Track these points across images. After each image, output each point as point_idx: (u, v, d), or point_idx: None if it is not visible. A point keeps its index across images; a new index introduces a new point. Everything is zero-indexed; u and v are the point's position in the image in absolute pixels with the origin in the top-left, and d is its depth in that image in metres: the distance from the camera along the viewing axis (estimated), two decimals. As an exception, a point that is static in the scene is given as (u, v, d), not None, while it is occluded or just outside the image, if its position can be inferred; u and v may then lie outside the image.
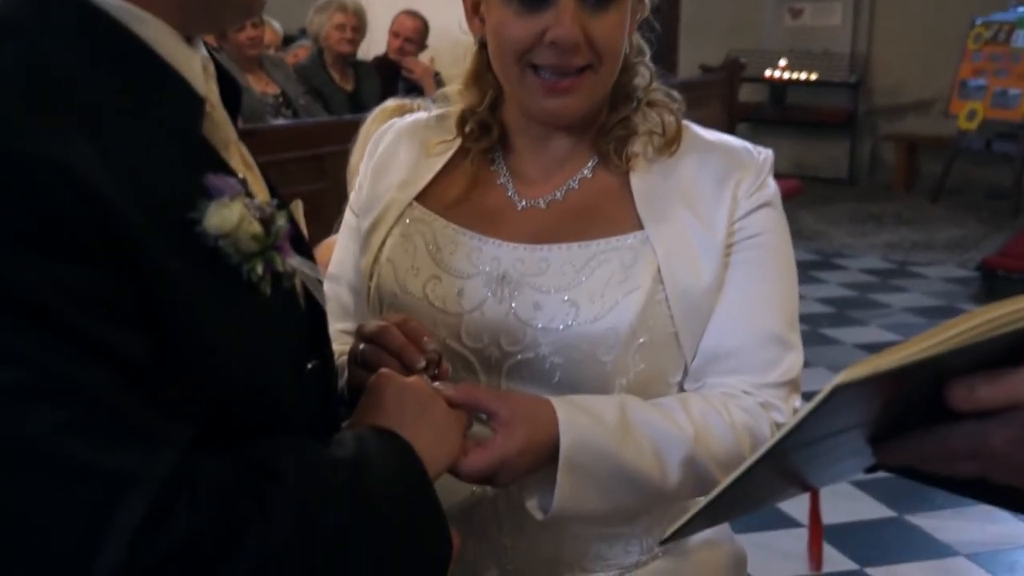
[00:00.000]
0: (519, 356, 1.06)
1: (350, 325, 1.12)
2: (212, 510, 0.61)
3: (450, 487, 0.89)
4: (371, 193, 1.16)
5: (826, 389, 0.54)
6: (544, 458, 0.94)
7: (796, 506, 2.75)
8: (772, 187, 1.08)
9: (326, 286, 1.13)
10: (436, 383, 0.92)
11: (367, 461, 0.72)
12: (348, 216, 1.20)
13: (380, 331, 0.97)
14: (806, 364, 1.08)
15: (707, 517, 0.74)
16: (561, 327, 1.03)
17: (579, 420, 0.95)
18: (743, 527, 1.24)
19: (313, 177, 3.37)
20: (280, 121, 4.05)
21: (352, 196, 1.20)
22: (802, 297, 1.13)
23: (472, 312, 1.07)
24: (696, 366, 1.05)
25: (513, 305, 1.05)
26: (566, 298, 1.04)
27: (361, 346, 0.98)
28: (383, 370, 0.89)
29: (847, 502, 3.19)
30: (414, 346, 0.96)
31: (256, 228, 0.71)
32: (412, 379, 0.88)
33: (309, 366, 0.77)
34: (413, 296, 1.08)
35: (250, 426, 0.69)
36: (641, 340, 1.03)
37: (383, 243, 1.12)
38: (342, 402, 0.96)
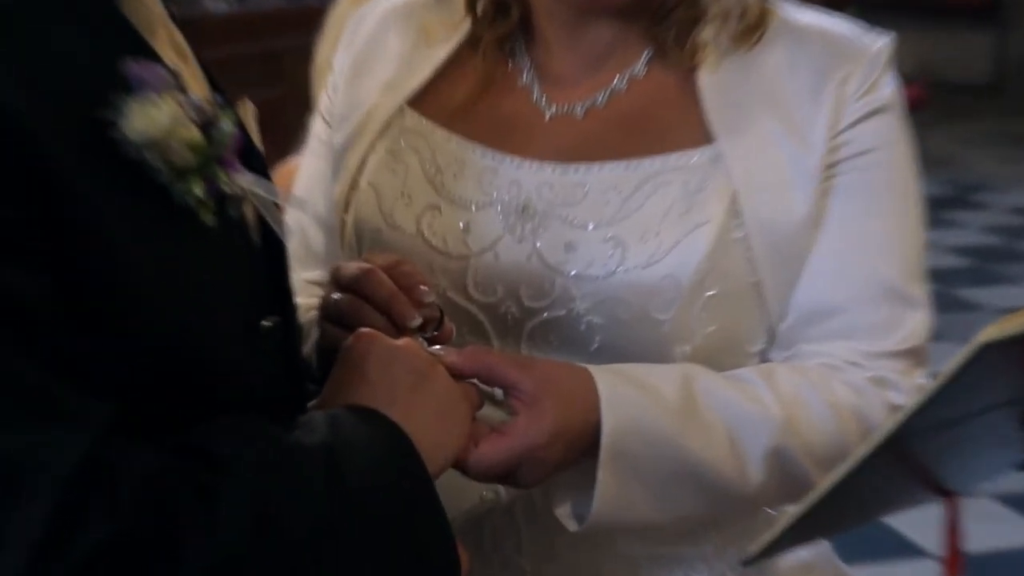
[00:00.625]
0: (545, 314, 1.07)
1: (320, 273, 1.13)
2: (138, 511, 0.62)
3: (453, 489, 0.91)
4: (348, 96, 1.18)
5: (968, 350, 0.54)
6: (580, 448, 0.96)
7: (923, 528, 2.75)
8: (891, 87, 1.09)
9: (288, 219, 1.15)
10: (435, 347, 0.93)
11: (344, 450, 0.74)
12: (317, 128, 1.22)
13: (362, 276, 0.98)
14: (935, 335, 1.10)
15: (801, 532, 0.75)
16: (602, 275, 1.05)
17: (628, 396, 0.97)
18: (852, 553, 1.23)
19: (266, 80, 3.38)
20: (220, 4, 4.01)
21: (322, 101, 1.22)
22: (930, 246, 1.15)
23: (483, 254, 1.09)
24: (786, 329, 1.07)
25: (538, 245, 1.08)
26: (609, 236, 1.06)
27: (335, 296, 0.99)
28: (364, 329, 0.90)
29: (991, 524, 3.14)
30: (407, 297, 0.97)
31: (193, 134, 0.71)
32: (403, 341, 0.89)
33: (265, 324, 0.78)
34: (403, 233, 1.10)
35: (189, 402, 0.70)
36: (710, 293, 1.05)
37: (363, 162, 1.14)
38: (310, 374, 0.97)
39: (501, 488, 1.06)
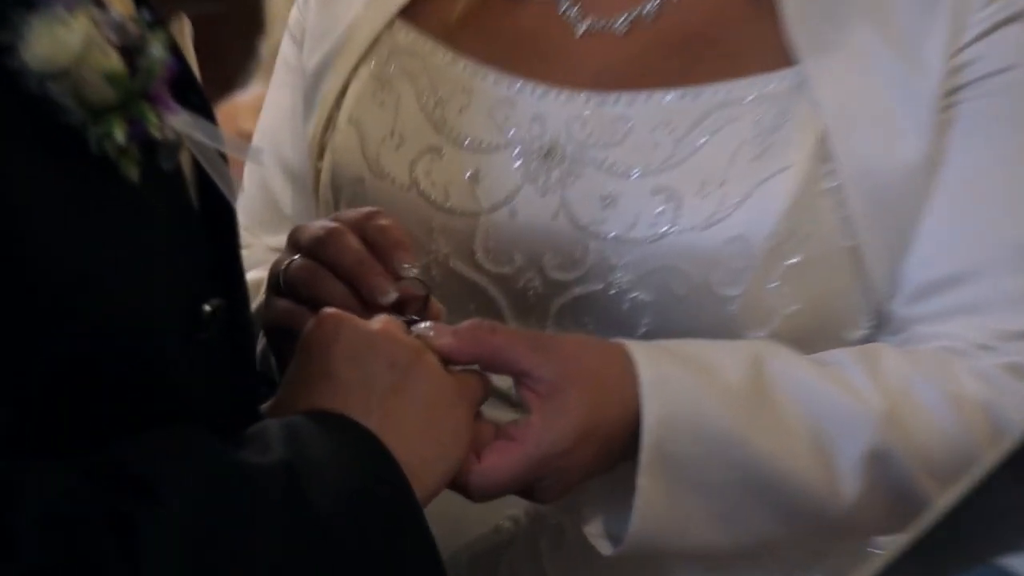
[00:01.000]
0: (576, 289, 1.06)
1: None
2: (40, 549, 0.61)
3: (455, 518, 0.92)
4: (324, 6, 1.17)
5: None
6: (615, 449, 0.95)
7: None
8: None
9: (244, 173, 1.17)
10: (423, 325, 0.91)
11: (307, 471, 0.73)
12: (285, 50, 1.22)
13: (325, 237, 0.95)
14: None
15: (912, 566, 0.69)
16: (649, 237, 1.03)
17: (677, 380, 0.95)
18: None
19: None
20: None
21: (292, 15, 1.21)
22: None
23: (495, 211, 1.07)
24: (897, 306, 1.04)
25: (566, 198, 1.06)
26: (658, 186, 1.04)
27: (292, 261, 0.97)
28: (329, 310, 0.88)
29: None
30: (381, 264, 0.95)
31: (112, 61, 0.69)
32: (381, 324, 0.88)
33: (207, 308, 0.77)
34: (392, 183, 1.09)
35: (107, 409, 0.69)
36: (792, 261, 1.03)
37: (342, 93, 1.13)
38: (265, 372, 0.96)
39: (522, 513, 1.05)
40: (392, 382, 0.84)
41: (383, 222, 0.96)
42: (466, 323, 0.93)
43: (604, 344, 0.97)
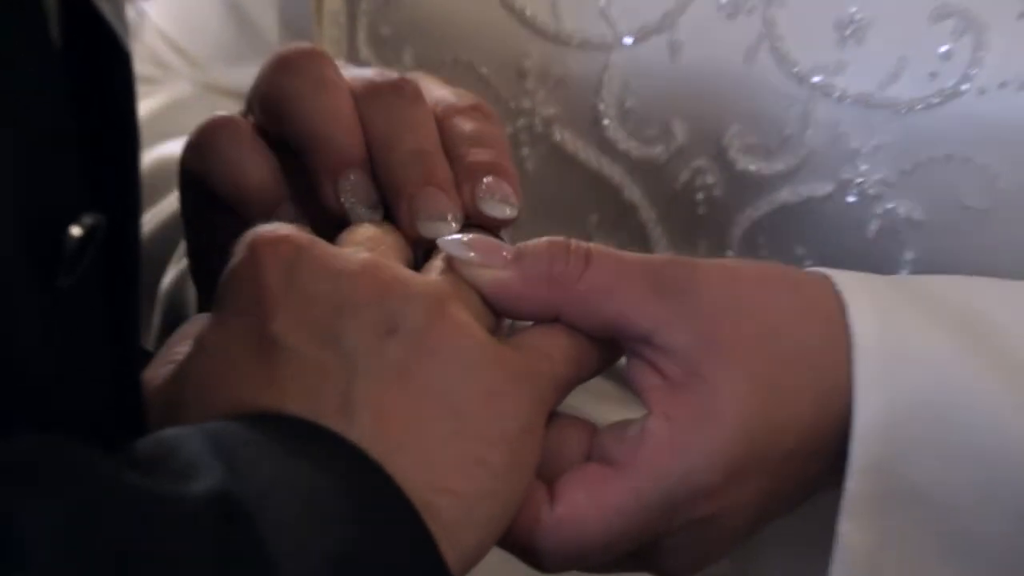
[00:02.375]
0: (783, 191, 0.86)
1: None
2: None
3: None
4: None
5: None
6: (808, 477, 0.76)
7: None
8: None
9: None
10: (452, 238, 0.73)
11: (260, 514, 0.59)
12: None
13: (294, 64, 0.78)
14: None
15: None
16: (925, 99, 0.84)
17: (925, 347, 0.75)
18: None
19: None
20: None
21: None
22: None
23: (644, 41, 0.88)
24: None
25: (772, 20, 0.86)
26: (943, 7, 0.84)
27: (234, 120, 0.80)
28: (272, 227, 0.70)
29: None
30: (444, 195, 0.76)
31: None
32: (369, 249, 0.72)
33: (75, 232, 0.59)
34: None
35: None
36: None
37: None
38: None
39: None
40: (394, 360, 0.67)
41: (474, 132, 0.76)
42: (535, 243, 0.72)
43: (792, 277, 0.76)
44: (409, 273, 0.68)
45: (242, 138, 0.77)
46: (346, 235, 0.71)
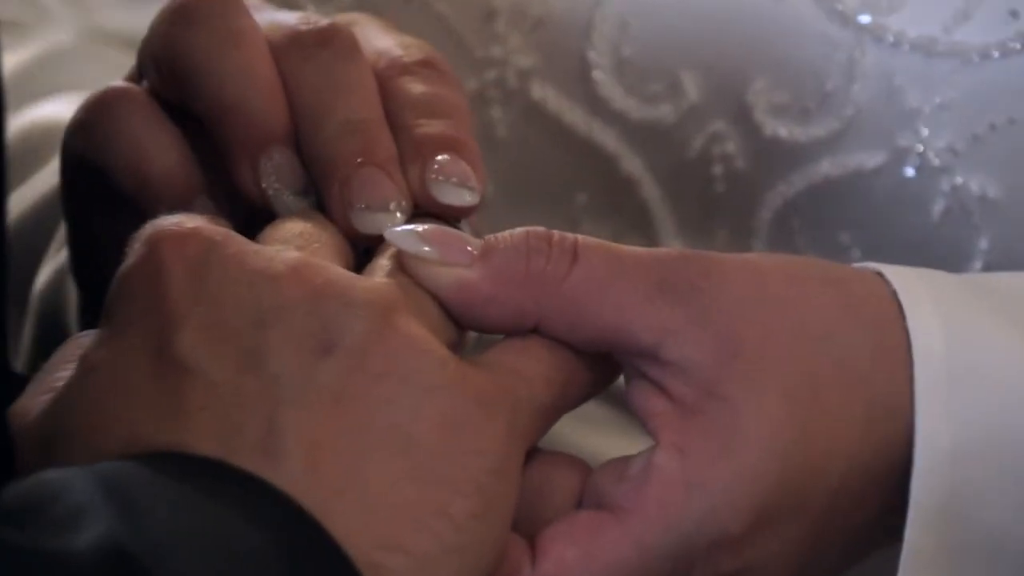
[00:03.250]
0: (824, 163, 0.78)
1: None
2: None
3: None
4: None
5: None
6: (855, 526, 0.67)
7: None
8: None
9: None
10: (406, 229, 0.64)
11: (160, 572, 0.54)
12: None
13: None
14: None
15: None
16: (1000, 44, 0.75)
17: (1000, 363, 0.67)
18: None
19: None
20: None
21: None
22: None
23: None
24: None
25: None
26: None
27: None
28: (173, 221, 0.60)
29: None
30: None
31: None
32: (299, 245, 0.63)
33: None
34: None
35: None
36: None
37: None
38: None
39: None
40: (329, 384, 0.58)
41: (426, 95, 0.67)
42: (508, 234, 0.63)
43: (835, 275, 0.66)
44: (348, 276, 0.58)
45: (142, 114, 0.68)
46: (270, 230, 0.61)
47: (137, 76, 0.69)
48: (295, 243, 0.61)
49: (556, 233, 0.62)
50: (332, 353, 0.57)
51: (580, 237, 0.63)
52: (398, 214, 0.62)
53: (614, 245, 0.63)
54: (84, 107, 0.70)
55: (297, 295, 0.57)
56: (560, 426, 0.63)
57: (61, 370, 0.60)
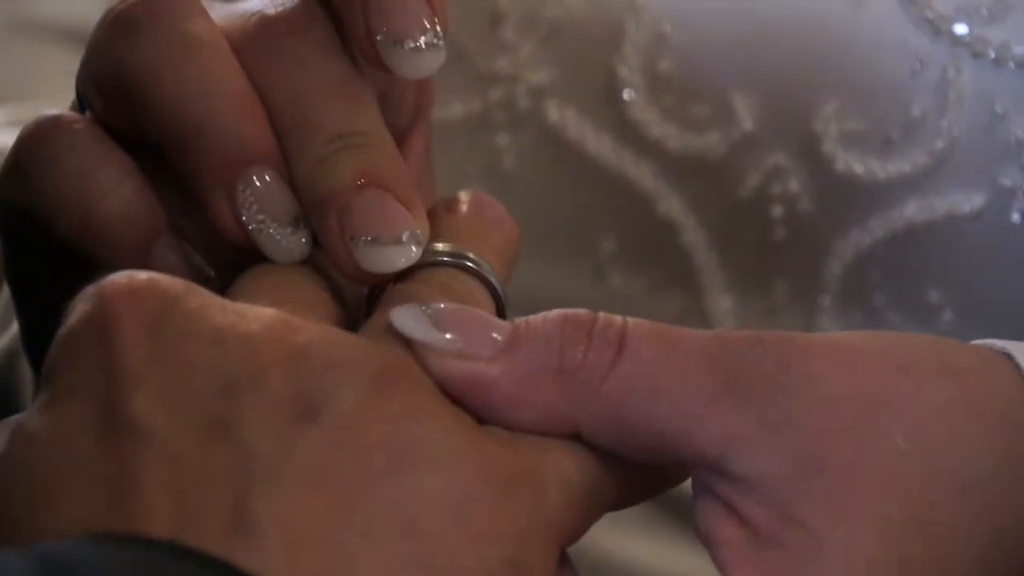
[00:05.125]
0: (909, 205, 0.71)
1: None
2: None
3: None
4: None
5: None
6: None
7: None
8: None
9: None
10: (410, 310, 0.55)
11: None
12: None
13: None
14: None
15: None
16: None
17: None
18: None
19: None
20: None
21: None
22: None
23: None
24: None
25: None
26: None
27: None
28: (117, 276, 0.55)
29: None
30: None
31: None
32: (276, 300, 0.57)
33: None
34: None
35: None
36: None
37: None
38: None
39: None
40: (312, 456, 0.52)
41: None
42: (541, 319, 0.54)
43: (947, 357, 0.54)
44: (335, 333, 0.52)
45: (85, 144, 0.60)
46: (241, 281, 0.55)
47: (79, 108, 0.61)
48: (272, 296, 0.54)
49: (601, 317, 0.53)
50: (315, 421, 0.50)
51: (630, 321, 0.54)
52: (413, 247, 0.54)
53: (668, 329, 0.54)
54: (14, 146, 0.61)
55: (272, 357, 0.51)
56: (598, 528, 0.54)
57: None
